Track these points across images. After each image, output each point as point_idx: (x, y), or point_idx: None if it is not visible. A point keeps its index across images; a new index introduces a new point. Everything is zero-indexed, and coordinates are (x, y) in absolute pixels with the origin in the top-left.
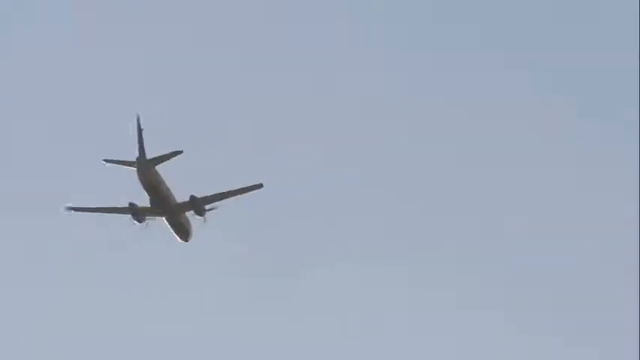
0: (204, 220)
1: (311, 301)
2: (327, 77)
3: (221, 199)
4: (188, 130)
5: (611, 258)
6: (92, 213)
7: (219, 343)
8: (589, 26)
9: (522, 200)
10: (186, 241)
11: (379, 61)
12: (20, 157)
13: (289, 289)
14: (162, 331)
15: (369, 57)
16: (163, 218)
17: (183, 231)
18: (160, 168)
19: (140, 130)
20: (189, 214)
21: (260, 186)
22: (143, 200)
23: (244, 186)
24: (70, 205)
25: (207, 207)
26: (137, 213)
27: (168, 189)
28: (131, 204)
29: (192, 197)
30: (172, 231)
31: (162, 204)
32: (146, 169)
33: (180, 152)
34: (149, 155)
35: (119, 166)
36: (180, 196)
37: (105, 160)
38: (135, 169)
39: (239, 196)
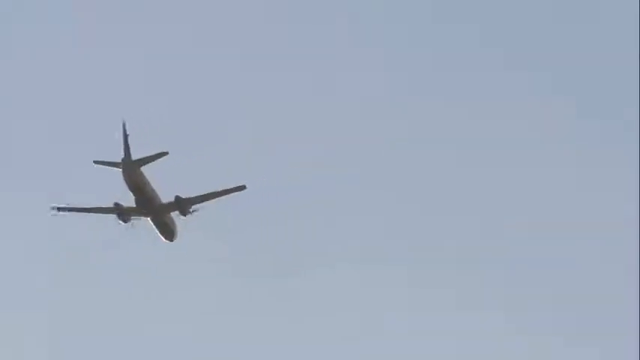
0: (193, 213)
1: (310, 301)
2: (327, 77)
3: (205, 200)
4: (189, 130)
5: (611, 258)
6: (78, 213)
7: (211, 343)
8: (589, 26)
9: (522, 200)
10: (171, 241)
11: (379, 61)
12: (13, 155)
13: (288, 289)
14: (148, 330)
15: (369, 57)
16: (148, 218)
17: (168, 231)
18: (147, 169)
19: (126, 136)
20: (175, 215)
21: (243, 187)
22: (129, 201)
23: (229, 187)
24: (56, 205)
25: (191, 208)
26: (122, 213)
27: (153, 190)
28: (116, 204)
29: (177, 198)
30: (157, 231)
31: (147, 204)
32: (131, 169)
33: (165, 154)
34: (135, 156)
35: (107, 167)
36: (167, 196)
37: (95, 162)
38: (120, 169)
39: (228, 196)
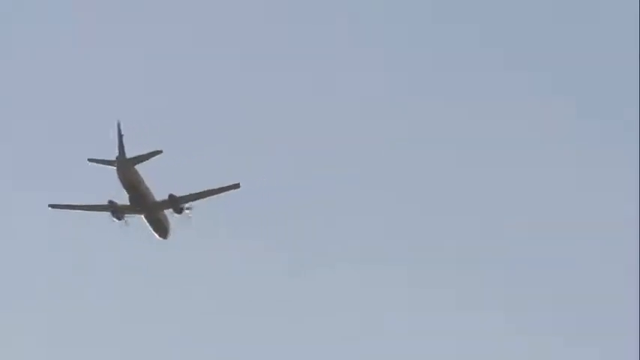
0: (186, 219)
1: (310, 301)
2: (327, 77)
3: (199, 198)
4: (186, 129)
5: (611, 258)
6: (72, 210)
7: (206, 342)
8: (589, 26)
9: (522, 200)
10: (165, 238)
11: (379, 61)
12: (11, 154)
13: (287, 289)
14: (142, 328)
15: (369, 57)
16: (142, 216)
17: (161, 228)
18: (141, 167)
19: (120, 135)
20: (168, 212)
21: (237, 186)
22: (123, 198)
23: (223, 185)
24: (51, 202)
25: (185, 206)
26: (116, 211)
27: (147, 188)
28: (110, 202)
29: (171, 196)
30: (151, 228)
31: (142, 202)
32: (125, 168)
33: (159, 152)
34: (129, 155)
35: (102, 165)
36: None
37: (89, 160)
38: (115, 167)
39: (222, 195)
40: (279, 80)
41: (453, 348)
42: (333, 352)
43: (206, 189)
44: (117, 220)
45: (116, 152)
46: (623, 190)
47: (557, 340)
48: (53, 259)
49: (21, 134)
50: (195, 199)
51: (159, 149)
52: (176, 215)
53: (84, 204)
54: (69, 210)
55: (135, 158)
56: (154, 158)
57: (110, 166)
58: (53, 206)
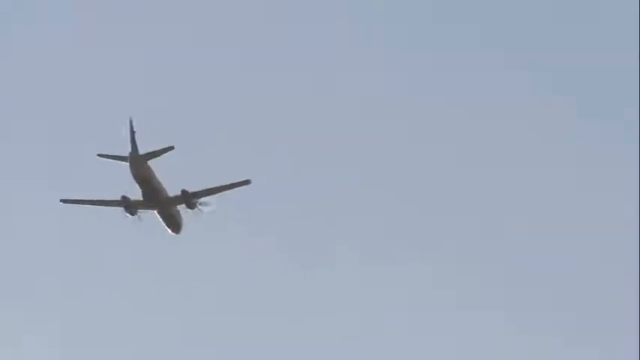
0: (199, 214)
1: (318, 298)
2: (327, 77)
3: (211, 193)
4: (186, 128)
5: (611, 258)
6: (85, 205)
7: (210, 340)
8: (589, 26)
9: (522, 200)
10: (178, 233)
11: (379, 61)
12: (18, 151)
13: (297, 286)
14: (153, 323)
15: (369, 57)
16: (155, 211)
17: (174, 224)
18: (153, 163)
19: (133, 132)
20: (181, 208)
21: (248, 182)
22: (135, 194)
23: (234, 182)
24: (64, 197)
25: (197, 202)
26: (130, 206)
27: (159, 183)
28: (124, 197)
29: (184, 191)
30: (164, 223)
31: (155, 197)
32: (138, 163)
33: (171, 148)
34: (142, 151)
35: (113, 161)
36: (173, 190)
37: (99, 155)
38: (127, 163)
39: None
40: (279, 80)
41: (453, 348)
42: (340, 350)
43: (217, 185)
44: (130, 216)
45: (124, 150)
46: (623, 190)
47: (557, 340)
48: (65, 254)
49: (28, 132)
50: (207, 195)
51: (171, 145)
52: (189, 210)
53: (96, 199)
54: (80, 205)
55: (148, 154)
56: (165, 154)
57: (122, 162)
58: (65, 201)
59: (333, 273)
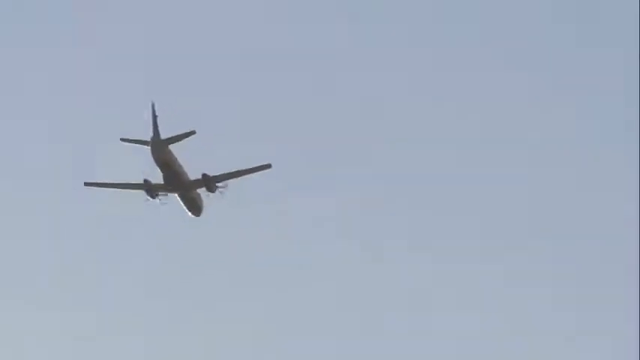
0: (221, 196)
1: (309, 299)
2: (327, 77)
3: (231, 177)
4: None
5: (611, 258)
6: (107, 189)
7: (237, 318)
8: (589, 26)
9: (522, 200)
10: (198, 216)
11: (379, 61)
12: (43, 137)
13: (305, 271)
14: (174, 305)
15: (369, 57)
16: (176, 194)
17: (195, 206)
18: (174, 147)
19: (155, 116)
20: (201, 191)
21: (268, 166)
22: (156, 177)
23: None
24: (87, 181)
25: (217, 185)
26: (151, 189)
27: (181, 167)
28: (146, 180)
29: (204, 175)
30: (184, 207)
31: (175, 181)
32: (160, 148)
33: (193, 133)
34: (163, 135)
35: (134, 145)
36: (194, 174)
37: (121, 139)
38: (149, 148)
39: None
40: (279, 80)
41: (452, 348)
42: (330, 350)
43: (238, 169)
44: (151, 199)
45: (144, 135)
46: (623, 190)
47: (557, 341)
48: (87, 236)
49: (52, 117)
50: (227, 179)
51: (192, 130)
52: (209, 194)
53: (118, 182)
54: (103, 188)
55: (169, 139)
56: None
57: (144, 146)
58: (88, 184)
59: (333, 271)
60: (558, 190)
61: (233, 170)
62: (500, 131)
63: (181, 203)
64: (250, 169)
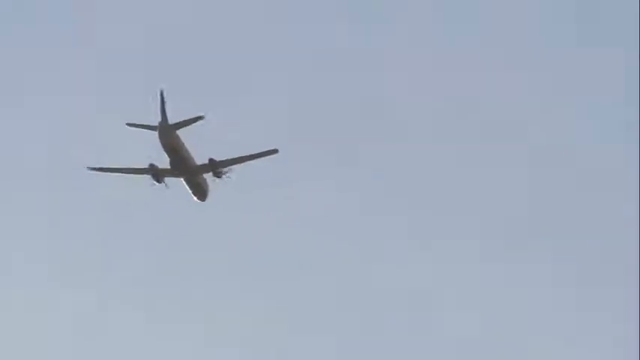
0: (228, 178)
1: (308, 296)
2: (327, 77)
3: (238, 162)
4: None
5: (611, 258)
6: (113, 173)
7: (242, 303)
8: (589, 26)
9: (522, 200)
10: (203, 201)
11: (379, 61)
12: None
13: (286, 285)
14: (179, 287)
15: (369, 57)
16: (182, 179)
17: (200, 191)
18: (181, 132)
19: (163, 102)
20: (208, 176)
21: (275, 151)
22: (162, 162)
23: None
24: (92, 165)
25: (223, 170)
26: (157, 174)
27: (187, 152)
28: (151, 165)
29: (211, 160)
30: (190, 191)
31: (182, 166)
32: (168, 133)
33: (202, 117)
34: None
35: (140, 130)
36: (201, 158)
37: (128, 124)
38: (157, 133)
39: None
40: (278, 80)
41: (452, 347)
42: (332, 349)
43: (245, 154)
44: (157, 183)
45: (158, 118)
46: (623, 190)
47: (558, 341)
48: (92, 220)
49: (58, 101)
50: (234, 164)
51: (200, 115)
52: (215, 179)
53: (124, 167)
54: (108, 173)
55: (177, 124)
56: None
57: (151, 131)
58: (92, 169)
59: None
60: (558, 190)
61: (240, 155)
62: (501, 131)
63: (187, 187)
64: (257, 154)
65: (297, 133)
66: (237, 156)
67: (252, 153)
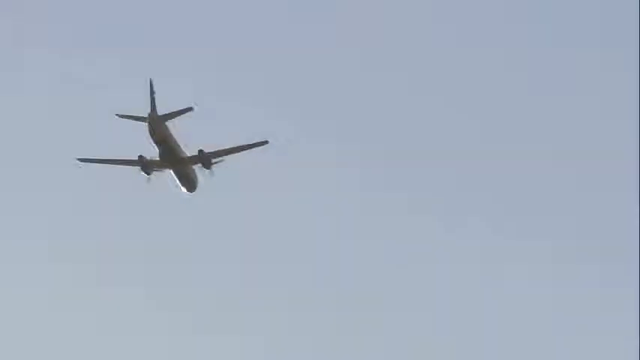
0: (211, 174)
1: (307, 293)
2: (326, 77)
3: (228, 154)
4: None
5: (611, 257)
6: (102, 165)
7: (232, 295)
8: (589, 26)
9: (523, 199)
10: (192, 192)
11: (379, 61)
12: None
13: (302, 245)
14: (169, 280)
15: (370, 57)
16: (171, 170)
17: (189, 183)
18: (171, 123)
19: (152, 93)
20: (197, 167)
21: (265, 142)
22: (151, 153)
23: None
24: (80, 157)
25: (213, 160)
26: (146, 165)
27: (177, 143)
28: (140, 156)
29: (200, 151)
30: (179, 183)
31: (171, 157)
32: (157, 124)
33: (191, 109)
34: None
35: (130, 121)
36: (189, 150)
37: (117, 115)
38: (146, 124)
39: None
40: (277, 79)
41: (452, 347)
42: (328, 346)
43: (235, 145)
44: (146, 175)
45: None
46: (623, 190)
47: (558, 341)
48: (81, 212)
49: (46, 93)
50: (224, 155)
51: (190, 106)
52: (205, 170)
53: (113, 158)
54: (97, 164)
55: (166, 115)
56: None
57: (141, 122)
58: (82, 160)
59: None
60: (558, 190)
61: (230, 146)
62: (500, 130)
63: (176, 179)
64: (247, 145)
65: (291, 128)
66: (227, 147)
67: (243, 144)
